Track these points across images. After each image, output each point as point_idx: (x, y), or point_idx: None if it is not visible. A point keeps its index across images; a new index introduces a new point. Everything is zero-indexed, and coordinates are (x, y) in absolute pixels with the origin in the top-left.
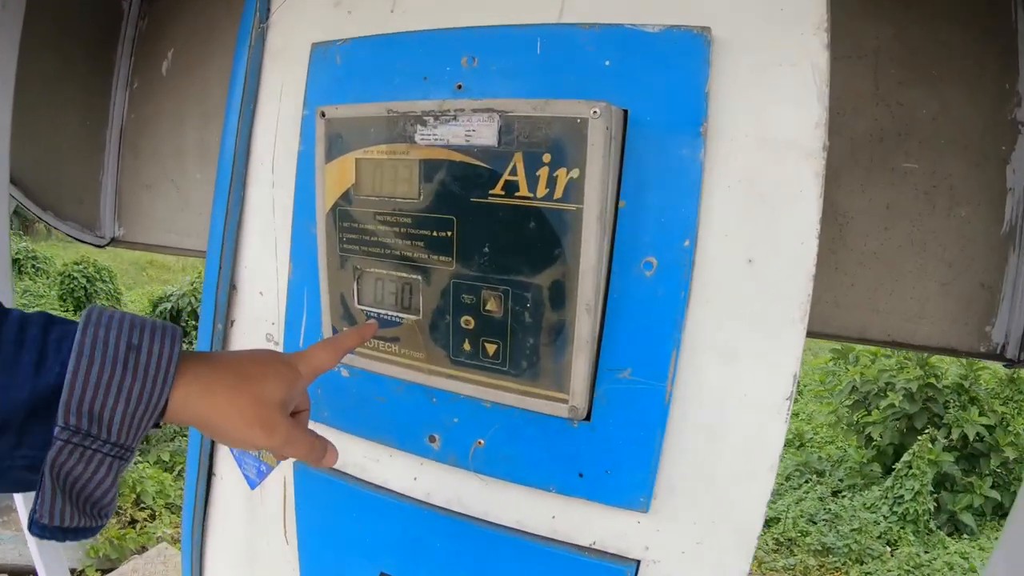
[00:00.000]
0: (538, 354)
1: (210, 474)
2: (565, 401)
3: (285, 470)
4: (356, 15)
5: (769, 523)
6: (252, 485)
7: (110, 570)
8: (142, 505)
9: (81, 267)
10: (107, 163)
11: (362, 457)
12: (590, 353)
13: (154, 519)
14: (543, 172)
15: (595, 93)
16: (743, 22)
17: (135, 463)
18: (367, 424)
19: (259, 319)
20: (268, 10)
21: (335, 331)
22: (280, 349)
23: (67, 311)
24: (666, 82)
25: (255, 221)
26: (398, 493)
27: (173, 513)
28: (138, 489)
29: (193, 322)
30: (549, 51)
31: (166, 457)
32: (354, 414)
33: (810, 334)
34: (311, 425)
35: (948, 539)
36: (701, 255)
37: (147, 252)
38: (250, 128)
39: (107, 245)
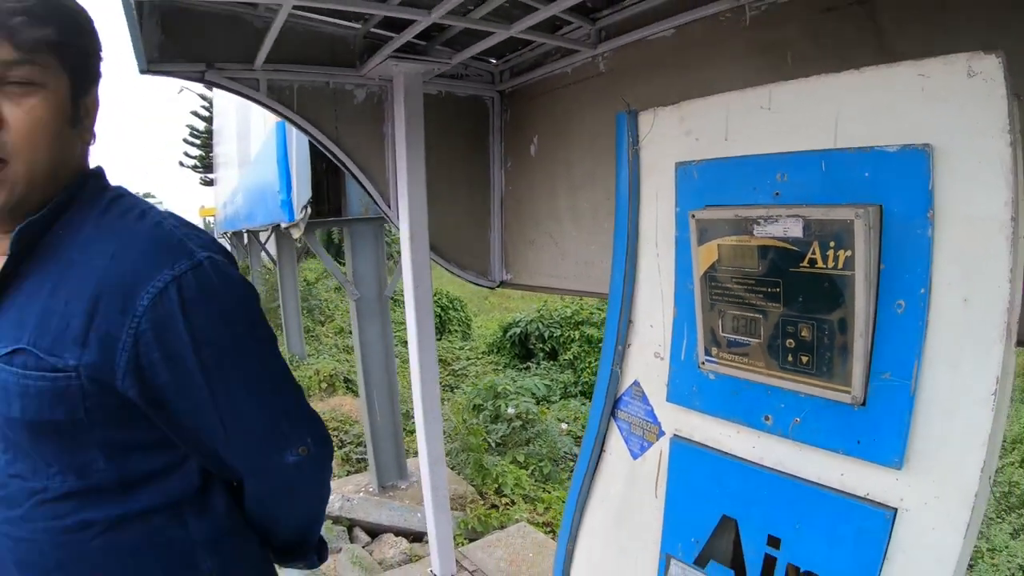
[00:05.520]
0: (832, 363)
1: (601, 450)
2: (849, 392)
3: (662, 445)
4: (702, 142)
5: None
6: (635, 456)
7: (476, 539)
8: (502, 494)
9: (437, 297)
10: (493, 225)
11: (718, 432)
12: (864, 362)
13: (512, 506)
14: (830, 252)
15: (860, 195)
16: (951, 136)
17: (498, 460)
18: (724, 409)
19: (649, 343)
20: (637, 137)
21: (707, 352)
22: (666, 365)
23: None
24: (904, 184)
25: (645, 278)
26: (740, 457)
27: (527, 502)
28: (500, 481)
29: (540, 344)
30: (830, 167)
31: (520, 458)
32: (716, 403)
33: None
34: (682, 408)
35: None
36: (933, 298)
37: (530, 292)
38: (637, 219)
39: (497, 287)
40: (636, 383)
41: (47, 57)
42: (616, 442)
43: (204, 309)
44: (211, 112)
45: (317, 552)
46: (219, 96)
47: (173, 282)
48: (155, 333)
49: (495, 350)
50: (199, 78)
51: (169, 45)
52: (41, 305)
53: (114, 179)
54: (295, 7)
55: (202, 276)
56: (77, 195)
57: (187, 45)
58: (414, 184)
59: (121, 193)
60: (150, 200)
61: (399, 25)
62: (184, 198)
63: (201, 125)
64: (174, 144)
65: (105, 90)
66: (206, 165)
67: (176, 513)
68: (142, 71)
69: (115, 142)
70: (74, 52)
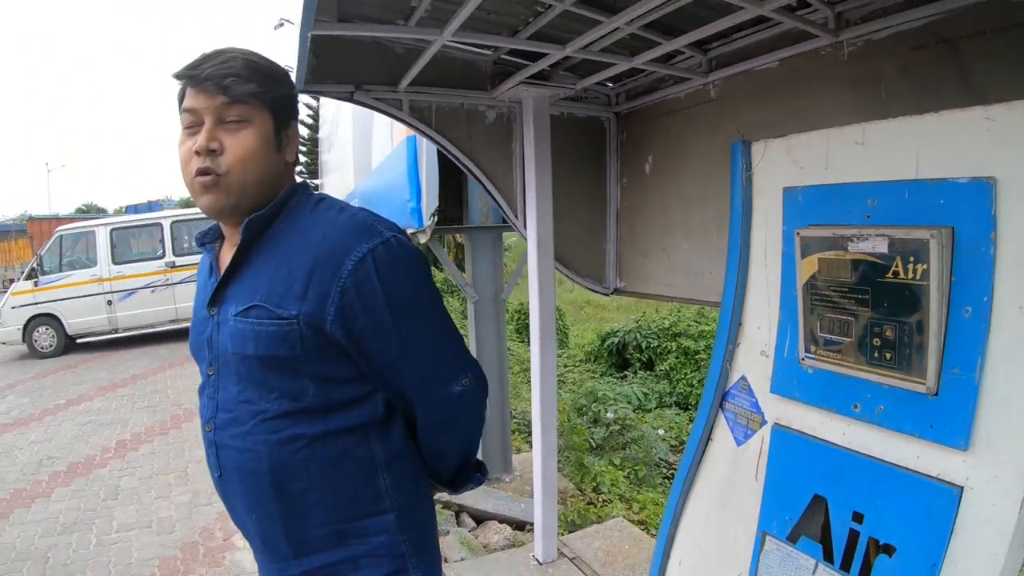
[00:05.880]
0: (911, 359)
1: (709, 438)
2: (924, 384)
3: (764, 433)
4: (806, 170)
5: None
6: (739, 443)
7: (575, 531)
8: (600, 492)
9: None
10: (609, 236)
11: (813, 420)
12: (937, 358)
13: (608, 504)
14: (910, 265)
15: (936, 219)
16: (1012, 170)
17: (596, 460)
18: (819, 399)
19: (756, 343)
20: (750, 163)
21: (806, 349)
22: (771, 361)
23: (522, 341)
24: (972, 210)
25: (754, 286)
26: (831, 442)
27: (623, 502)
28: (598, 480)
29: (637, 355)
30: (911, 195)
31: (617, 461)
32: (813, 394)
33: None
34: (784, 399)
35: None
36: (995, 305)
37: (641, 299)
38: (748, 235)
39: (611, 294)
40: (743, 378)
41: (252, 101)
42: (722, 431)
43: (391, 271)
44: (315, 121)
45: (479, 471)
46: (326, 106)
47: (369, 253)
48: (356, 290)
49: (592, 358)
50: (348, 97)
51: (320, 68)
52: (270, 274)
53: None
54: (448, 42)
55: (390, 248)
56: (290, 200)
57: (337, 68)
58: (542, 198)
59: (324, 197)
60: None
61: (528, 52)
62: None
63: (305, 132)
64: None
65: None
66: (311, 171)
67: (364, 435)
68: (300, 90)
69: None
70: (272, 97)
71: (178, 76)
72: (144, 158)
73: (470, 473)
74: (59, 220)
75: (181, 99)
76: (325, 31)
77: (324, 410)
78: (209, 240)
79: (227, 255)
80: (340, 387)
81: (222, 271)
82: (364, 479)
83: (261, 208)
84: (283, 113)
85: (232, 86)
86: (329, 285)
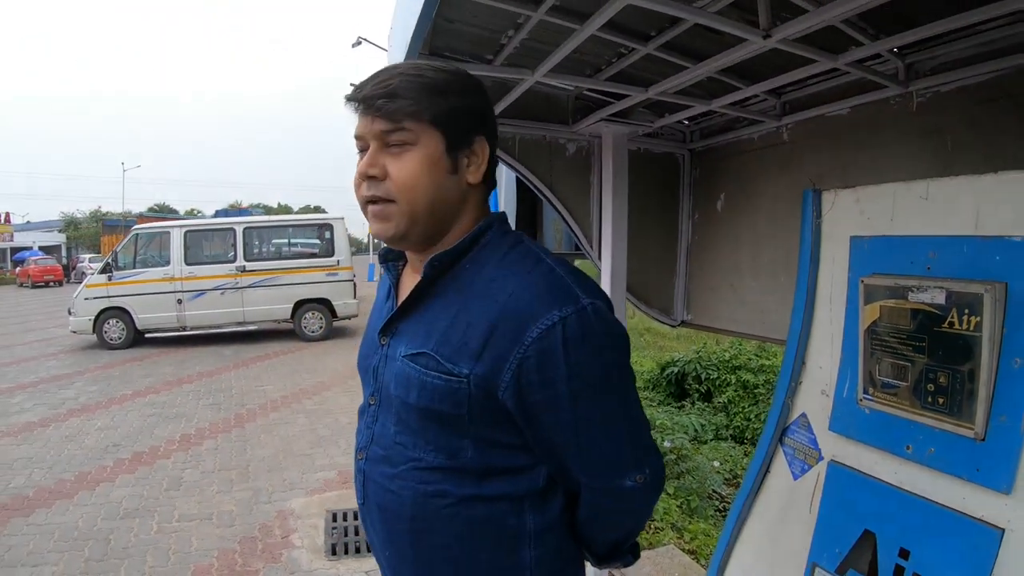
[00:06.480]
0: (962, 404)
1: (767, 471)
2: (973, 429)
3: (820, 468)
4: (872, 220)
5: None
6: (795, 477)
7: None
8: (652, 519)
9: None
10: (679, 271)
11: (867, 459)
12: (986, 405)
13: (660, 531)
14: (965, 317)
15: (991, 274)
16: None
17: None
18: (875, 439)
19: (817, 382)
20: (820, 211)
21: (865, 390)
22: (831, 400)
23: None
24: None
25: (818, 328)
26: (883, 480)
27: (674, 531)
28: None
29: (696, 385)
30: (970, 250)
31: (671, 490)
32: (869, 433)
33: None
34: (841, 437)
35: None
36: None
37: (709, 332)
38: (816, 279)
39: (678, 326)
40: (803, 415)
41: (409, 122)
42: (780, 465)
43: (581, 347)
44: None
45: (631, 552)
46: None
47: (560, 322)
48: (537, 360)
49: (651, 386)
50: None
51: None
52: (446, 323)
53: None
54: (538, 81)
55: (584, 319)
56: (481, 237)
57: None
58: (617, 229)
59: (521, 239)
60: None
61: (610, 92)
62: (353, 215)
63: None
64: (350, 163)
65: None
66: None
67: (518, 504)
68: None
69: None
70: (435, 113)
71: (348, 100)
72: (214, 162)
73: (623, 554)
74: (164, 218)
75: None
76: None
77: (480, 473)
78: (393, 258)
79: (408, 280)
80: (501, 453)
81: (400, 298)
82: (508, 548)
83: (438, 234)
84: (456, 130)
85: (384, 107)
86: (509, 349)
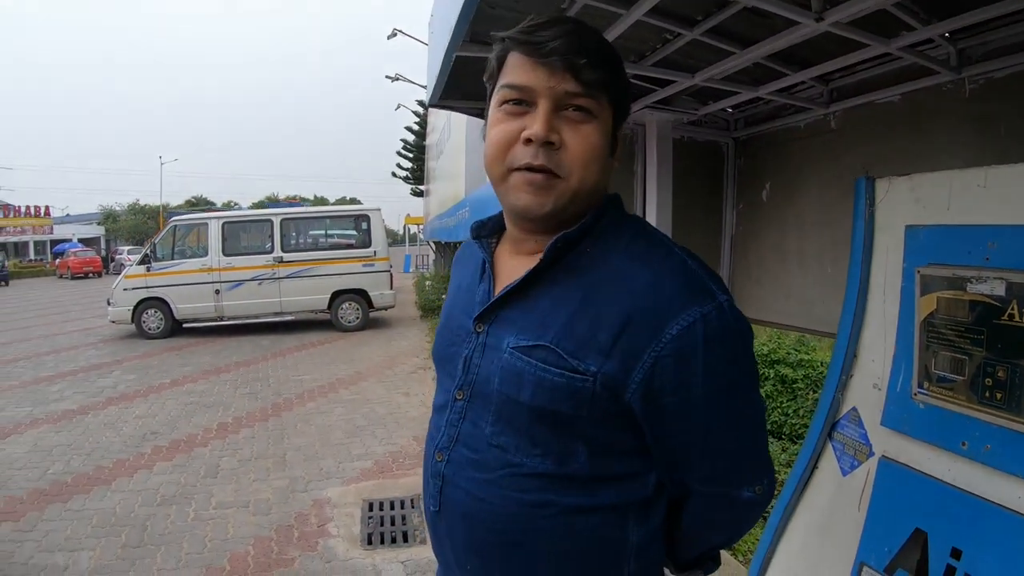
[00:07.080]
0: (1020, 400)
1: (815, 467)
2: None
3: (870, 465)
4: (928, 209)
5: None
6: (844, 473)
7: None
8: None
9: None
10: (723, 261)
11: (921, 455)
12: None
13: None
14: None
15: None
16: None
17: None
18: (929, 435)
19: (869, 375)
20: (873, 200)
21: (919, 385)
22: (883, 394)
23: None
24: None
25: (871, 319)
26: (937, 477)
27: None
28: None
29: None
30: None
31: None
32: (922, 429)
33: None
34: (893, 432)
35: None
36: None
37: (753, 325)
38: (868, 269)
39: None
40: (854, 409)
41: (600, 93)
42: (828, 461)
43: (718, 347)
44: (422, 128)
45: (714, 560)
46: (434, 115)
47: (700, 319)
48: (674, 360)
49: None
50: (479, 114)
51: (450, 84)
52: (569, 313)
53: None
54: None
55: (722, 316)
56: (602, 218)
57: (467, 85)
58: (662, 217)
59: (638, 223)
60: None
61: (653, 77)
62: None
63: (411, 138)
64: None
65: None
66: (416, 177)
67: (622, 515)
68: (431, 104)
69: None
70: (616, 91)
71: (509, 39)
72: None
73: (705, 561)
74: (208, 209)
75: (499, 64)
76: (468, 52)
77: (590, 480)
78: (486, 234)
79: (506, 260)
80: (615, 458)
81: (497, 279)
82: (609, 563)
83: (572, 219)
84: (623, 108)
85: (585, 70)
86: (644, 347)
